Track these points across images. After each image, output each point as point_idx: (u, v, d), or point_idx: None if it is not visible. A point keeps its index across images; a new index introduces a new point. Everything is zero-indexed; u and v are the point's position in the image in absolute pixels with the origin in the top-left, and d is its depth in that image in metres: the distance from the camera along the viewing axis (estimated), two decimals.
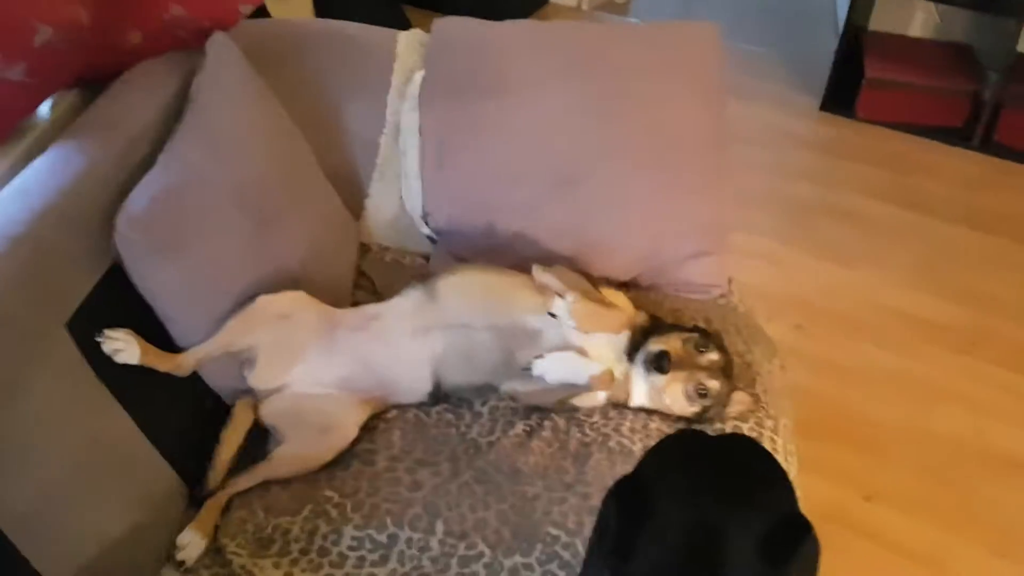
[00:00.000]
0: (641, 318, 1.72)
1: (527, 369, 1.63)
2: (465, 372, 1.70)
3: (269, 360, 1.66)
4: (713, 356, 1.65)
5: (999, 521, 2.29)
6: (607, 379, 1.64)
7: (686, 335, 1.67)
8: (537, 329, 1.67)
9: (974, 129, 3.67)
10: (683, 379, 1.62)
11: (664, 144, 1.95)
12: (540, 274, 1.73)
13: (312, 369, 1.69)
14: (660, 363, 1.61)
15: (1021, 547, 2.23)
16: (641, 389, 1.68)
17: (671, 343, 1.64)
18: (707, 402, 1.64)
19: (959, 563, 2.19)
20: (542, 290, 1.71)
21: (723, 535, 1.00)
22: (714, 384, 1.63)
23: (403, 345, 1.70)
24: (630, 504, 1.04)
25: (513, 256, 1.93)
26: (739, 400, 1.70)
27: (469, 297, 1.72)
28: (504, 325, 1.68)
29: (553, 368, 1.63)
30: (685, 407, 1.65)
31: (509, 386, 1.69)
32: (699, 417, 1.67)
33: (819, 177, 3.54)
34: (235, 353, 1.65)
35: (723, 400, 1.66)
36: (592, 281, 1.75)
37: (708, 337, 1.69)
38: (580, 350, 1.64)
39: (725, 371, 1.67)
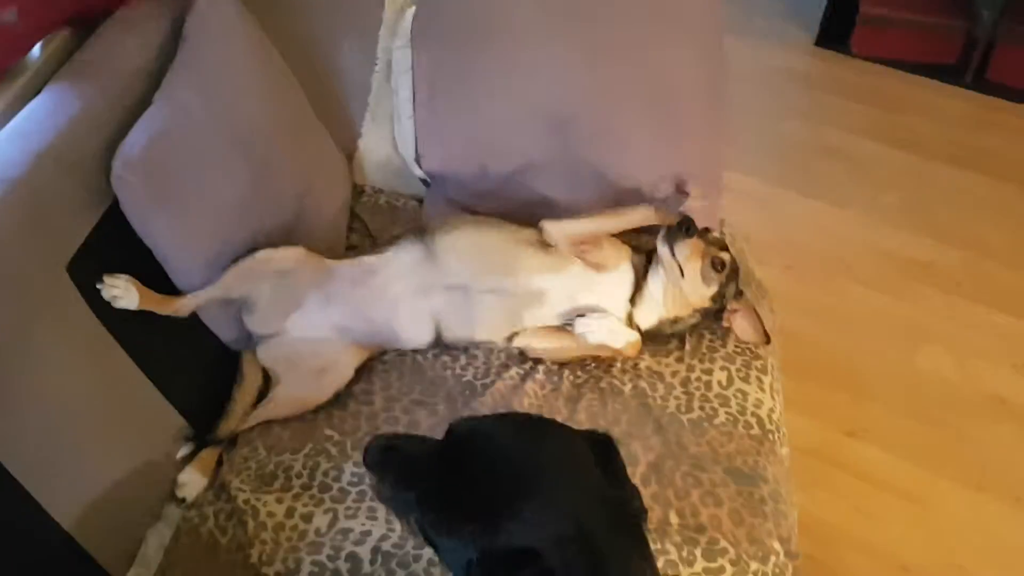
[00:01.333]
0: (639, 259, 1.75)
1: (568, 324, 1.67)
2: (467, 330, 1.72)
3: (267, 308, 1.68)
4: (716, 235, 1.72)
5: (979, 457, 2.35)
6: (638, 345, 1.71)
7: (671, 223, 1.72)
8: (542, 289, 1.69)
9: (967, 67, 3.66)
10: (700, 254, 1.66)
11: (660, 88, 1.94)
12: (552, 227, 1.71)
13: (309, 316, 1.71)
14: (688, 227, 1.65)
15: (999, 481, 2.30)
16: (656, 296, 1.71)
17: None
18: (723, 276, 1.68)
19: (939, 497, 2.26)
20: (545, 246, 1.71)
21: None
22: (727, 255, 1.69)
23: (402, 302, 1.71)
24: None
25: (508, 201, 1.94)
26: (750, 329, 1.75)
27: (470, 259, 1.71)
28: (508, 287, 1.69)
29: (595, 329, 1.67)
30: (703, 291, 1.69)
31: (523, 341, 1.71)
32: (714, 304, 1.72)
33: (811, 115, 3.54)
34: (234, 299, 1.67)
35: (735, 276, 1.72)
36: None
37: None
38: (591, 308, 1.69)
39: (718, 242, 1.74)
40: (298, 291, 1.69)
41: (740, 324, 1.76)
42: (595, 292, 1.70)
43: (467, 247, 1.73)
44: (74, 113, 1.51)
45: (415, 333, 1.73)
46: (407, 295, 1.71)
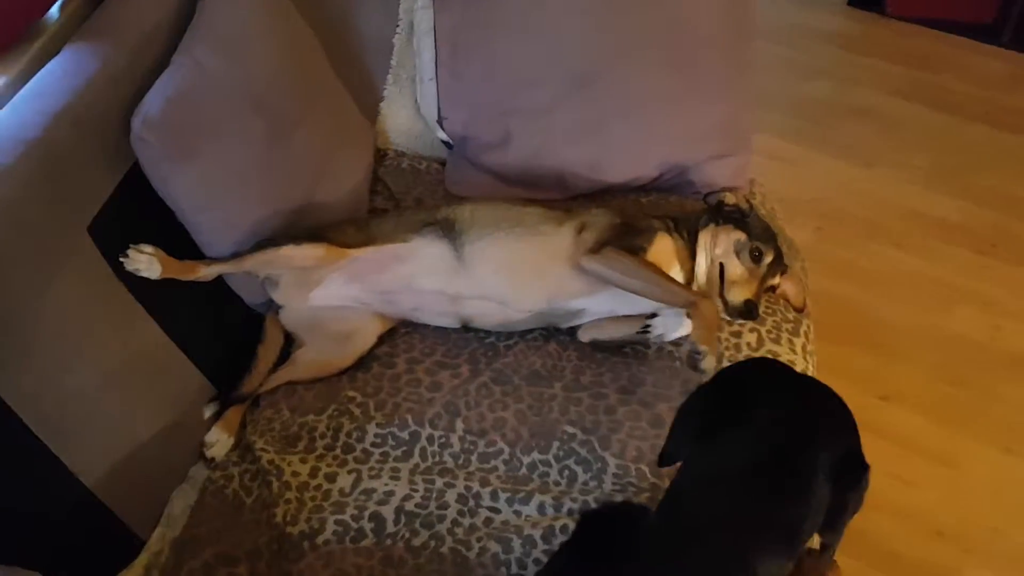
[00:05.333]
0: (679, 241, 1.69)
1: (645, 330, 1.62)
2: (498, 329, 1.70)
3: (289, 286, 1.67)
4: (769, 257, 1.66)
5: (1012, 419, 2.30)
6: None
7: (735, 237, 1.66)
8: (582, 309, 1.65)
9: (1004, 25, 3.56)
10: (755, 296, 1.63)
11: (685, 41, 1.90)
12: (591, 265, 1.60)
13: (333, 290, 1.68)
14: (752, 314, 1.61)
15: None
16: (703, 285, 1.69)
17: (733, 267, 1.63)
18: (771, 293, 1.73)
19: (972, 460, 2.22)
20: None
21: (810, 457, 1.09)
22: (777, 280, 1.71)
23: (431, 301, 1.67)
24: (721, 406, 1.13)
25: (531, 165, 1.91)
26: (794, 293, 1.77)
27: (505, 279, 1.64)
28: (544, 309, 1.65)
29: (670, 327, 1.62)
30: None
31: (588, 336, 1.67)
32: None
33: (843, 76, 3.46)
34: (255, 275, 1.67)
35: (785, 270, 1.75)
36: (631, 227, 1.67)
37: (746, 225, 1.68)
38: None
39: (779, 258, 1.70)
40: (320, 274, 1.67)
41: (786, 287, 1.76)
42: (636, 301, 1.62)
43: (500, 265, 1.64)
44: (91, 73, 1.49)
45: (442, 323, 1.71)
46: (436, 297, 1.66)
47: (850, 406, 2.25)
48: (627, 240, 1.62)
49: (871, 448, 2.21)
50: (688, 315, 1.55)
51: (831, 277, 2.57)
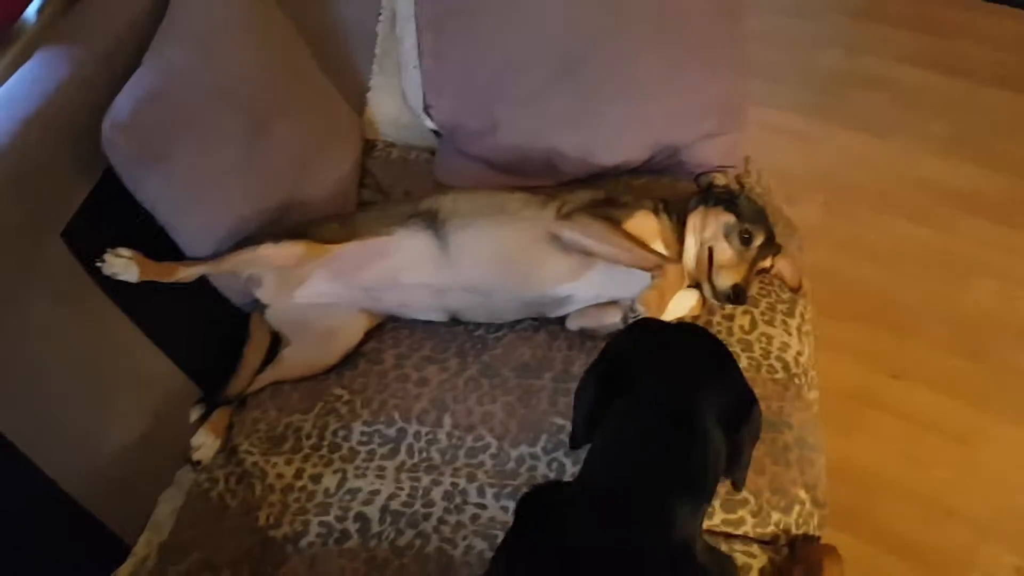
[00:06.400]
0: (666, 222, 1.64)
1: (634, 312, 1.53)
2: (486, 320, 1.67)
3: (273, 284, 1.65)
4: (759, 240, 1.60)
5: None
6: (702, 302, 1.62)
7: (724, 219, 1.60)
8: (569, 295, 1.61)
9: None
10: (744, 281, 1.57)
11: (672, 18, 1.84)
12: (562, 231, 1.58)
13: (317, 287, 1.66)
14: (740, 299, 1.56)
15: None
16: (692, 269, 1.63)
17: (722, 251, 1.58)
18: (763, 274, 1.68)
19: (988, 437, 2.16)
20: (567, 251, 1.59)
21: (695, 407, 1.16)
22: (769, 262, 1.64)
23: (416, 296, 1.64)
24: (608, 381, 1.20)
25: (520, 152, 1.87)
26: (789, 274, 1.71)
27: (489, 267, 1.60)
28: (531, 297, 1.61)
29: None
30: None
31: (575, 324, 1.63)
32: None
33: (852, 44, 3.37)
34: (238, 275, 1.65)
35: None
36: (612, 203, 1.64)
37: (736, 207, 1.62)
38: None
39: (771, 240, 1.64)
40: (303, 272, 1.65)
41: (781, 267, 1.71)
42: (623, 285, 1.58)
43: (484, 253, 1.61)
44: (63, 77, 1.48)
45: (430, 317, 1.69)
46: (421, 291, 1.64)
47: (860, 385, 2.25)
48: (604, 212, 1.59)
49: (882, 427, 2.20)
50: (652, 277, 1.50)
51: (840, 252, 2.52)
